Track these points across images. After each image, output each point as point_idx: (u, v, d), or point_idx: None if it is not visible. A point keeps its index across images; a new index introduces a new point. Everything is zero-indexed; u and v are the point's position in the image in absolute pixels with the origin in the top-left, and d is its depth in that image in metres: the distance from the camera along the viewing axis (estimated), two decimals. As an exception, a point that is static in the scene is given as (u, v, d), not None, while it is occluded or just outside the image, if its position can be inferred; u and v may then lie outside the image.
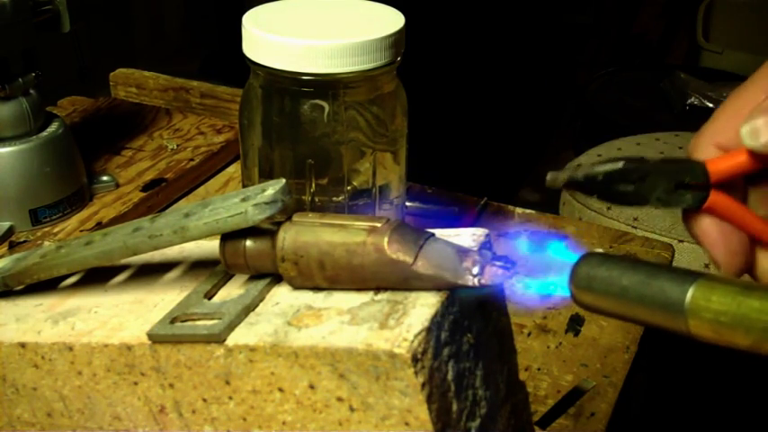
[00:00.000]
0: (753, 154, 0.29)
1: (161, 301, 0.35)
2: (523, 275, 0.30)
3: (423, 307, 0.29)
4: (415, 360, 0.28)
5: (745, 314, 0.24)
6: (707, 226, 0.31)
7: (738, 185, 0.32)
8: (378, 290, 0.31)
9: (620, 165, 0.29)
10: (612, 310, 0.28)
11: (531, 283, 0.30)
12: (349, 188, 0.57)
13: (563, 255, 0.30)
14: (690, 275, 0.26)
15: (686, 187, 0.30)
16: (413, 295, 0.30)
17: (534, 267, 0.30)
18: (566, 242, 0.30)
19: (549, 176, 0.30)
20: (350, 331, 0.29)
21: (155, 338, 0.32)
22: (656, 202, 0.29)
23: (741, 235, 0.31)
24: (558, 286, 0.29)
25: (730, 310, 0.25)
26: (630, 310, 0.27)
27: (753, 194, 0.33)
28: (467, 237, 0.33)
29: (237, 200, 0.33)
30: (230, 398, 0.31)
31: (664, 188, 0.29)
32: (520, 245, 0.31)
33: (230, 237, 0.33)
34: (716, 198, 0.30)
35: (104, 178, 0.74)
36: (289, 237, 0.32)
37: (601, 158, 0.32)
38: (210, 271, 0.36)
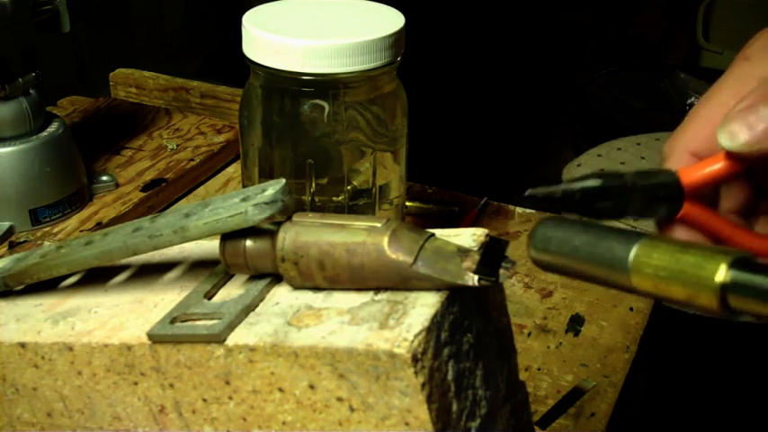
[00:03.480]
0: (730, 156, 0.30)
1: (161, 301, 0.35)
2: None
3: (423, 307, 0.29)
4: (415, 360, 0.28)
5: (682, 269, 0.26)
6: (679, 235, 0.32)
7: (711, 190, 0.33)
8: (378, 290, 0.31)
9: (598, 182, 0.30)
10: (566, 267, 0.29)
11: None
12: (349, 188, 0.57)
13: None
14: (635, 236, 0.28)
15: (661, 200, 0.31)
16: (413, 295, 0.30)
17: None
18: None
19: (528, 192, 0.31)
20: (350, 331, 0.29)
21: (155, 338, 0.32)
22: (632, 214, 0.31)
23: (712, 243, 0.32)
24: None
25: (668, 265, 0.26)
26: (582, 268, 0.29)
27: (723, 191, 0.34)
28: (467, 237, 0.33)
29: (237, 200, 0.33)
30: (230, 398, 0.31)
31: (639, 202, 0.30)
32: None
33: (230, 237, 0.33)
34: (689, 209, 0.31)
35: (104, 178, 0.74)
36: (289, 237, 0.32)
37: (580, 171, 0.33)
38: (210, 271, 0.36)
